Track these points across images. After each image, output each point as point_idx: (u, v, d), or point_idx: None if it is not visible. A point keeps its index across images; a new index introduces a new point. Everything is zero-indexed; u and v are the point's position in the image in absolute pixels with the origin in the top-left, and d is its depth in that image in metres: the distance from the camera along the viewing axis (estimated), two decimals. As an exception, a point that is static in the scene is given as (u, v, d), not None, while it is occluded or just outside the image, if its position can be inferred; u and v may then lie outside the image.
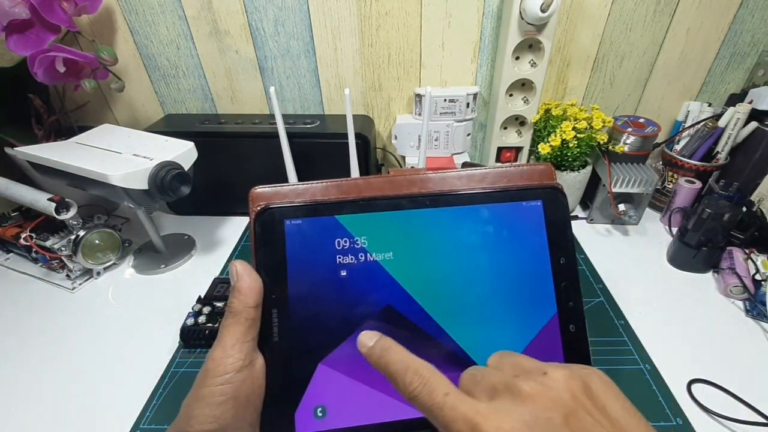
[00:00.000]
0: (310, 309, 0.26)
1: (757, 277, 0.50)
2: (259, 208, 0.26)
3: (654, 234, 0.63)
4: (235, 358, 0.23)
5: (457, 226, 0.27)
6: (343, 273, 0.26)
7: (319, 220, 0.26)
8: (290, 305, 0.26)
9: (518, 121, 0.70)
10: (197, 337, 0.45)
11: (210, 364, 0.23)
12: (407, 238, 0.26)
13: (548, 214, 0.27)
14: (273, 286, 0.25)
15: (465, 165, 0.67)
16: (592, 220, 0.66)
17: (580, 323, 0.27)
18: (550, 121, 0.64)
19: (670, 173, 0.65)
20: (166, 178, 0.49)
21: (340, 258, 0.26)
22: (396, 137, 0.70)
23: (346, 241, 0.26)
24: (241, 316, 0.24)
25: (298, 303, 0.26)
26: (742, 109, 0.58)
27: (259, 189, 0.27)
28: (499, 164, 0.35)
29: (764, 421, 0.36)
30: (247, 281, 0.24)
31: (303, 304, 0.26)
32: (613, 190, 0.60)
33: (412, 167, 0.68)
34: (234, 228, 0.66)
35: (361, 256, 0.26)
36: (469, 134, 0.70)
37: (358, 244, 0.26)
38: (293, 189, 0.27)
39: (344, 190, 0.27)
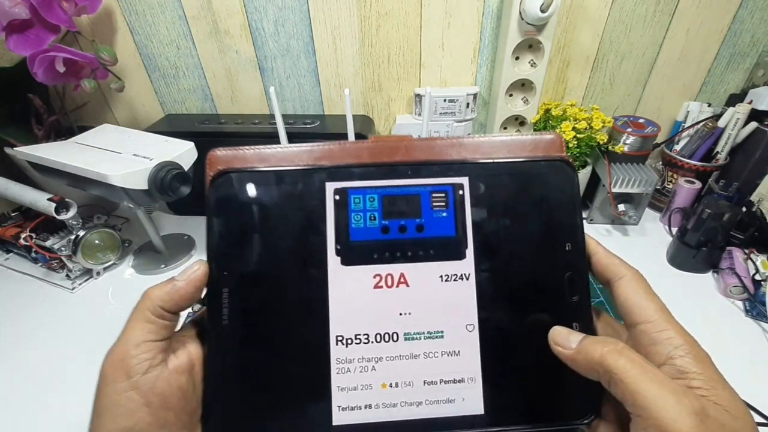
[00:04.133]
0: (267, 290, 0.23)
1: (757, 277, 0.51)
2: (215, 173, 0.23)
3: (654, 234, 0.63)
4: (141, 359, 0.20)
5: None
6: (309, 250, 0.24)
7: (283, 188, 0.24)
8: (244, 285, 0.23)
9: (518, 121, 0.70)
10: (197, 337, 0.45)
11: (107, 367, 0.20)
12: (384, 212, 0.24)
13: (554, 192, 0.24)
14: (225, 262, 0.23)
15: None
16: (591, 220, 0.66)
17: (585, 322, 0.24)
18: (550, 122, 0.64)
19: (670, 173, 0.65)
20: (166, 178, 0.49)
21: (305, 233, 0.24)
22: (396, 137, 0.70)
23: (312, 214, 0.24)
24: (152, 314, 0.21)
25: (254, 283, 0.23)
26: (742, 110, 0.58)
27: (218, 152, 0.24)
28: (500, 133, 0.31)
29: (764, 421, 0.36)
30: (190, 290, 0.22)
31: (260, 285, 0.23)
32: (613, 190, 0.60)
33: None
34: (234, 228, 0.66)
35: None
36: (469, 134, 0.70)
37: (326, 217, 0.24)
38: (257, 153, 0.24)
39: (315, 157, 0.25)
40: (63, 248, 0.53)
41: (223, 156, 0.24)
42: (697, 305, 0.50)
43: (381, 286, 0.24)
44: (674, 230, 0.59)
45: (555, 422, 0.24)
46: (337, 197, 0.24)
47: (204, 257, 0.23)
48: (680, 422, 0.17)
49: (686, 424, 0.17)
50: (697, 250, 0.54)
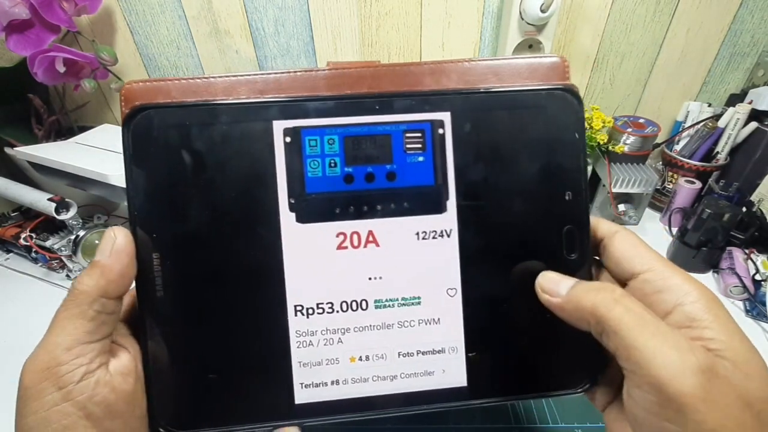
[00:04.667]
0: (208, 255, 0.20)
1: (757, 277, 0.50)
2: (130, 109, 0.19)
3: (654, 234, 0.63)
4: (74, 365, 0.17)
5: None
6: (256, 205, 0.20)
7: (219, 128, 0.19)
8: (179, 249, 0.20)
9: (518, 121, 0.70)
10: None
11: (29, 379, 0.17)
12: (347, 158, 0.20)
13: (553, 129, 0.21)
14: (152, 222, 0.19)
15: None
16: (592, 220, 0.66)
17: None
18: (550, 121, 0.64)
19: (670, 173, 0.65)
20: (166, 178, 0.49)
21: (250, 184, 0.20)
22: (396, 137, 0.70)
23: (258, 161, 0.20)
24: (91, 308, 0.17)
25: (192, 246, 0.20)
26: (742, 110, 0.58)
27: (135, 84, 0.20)
28: (491, 57, 0.25)
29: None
30: (124, 261, 0.18)
31: (198, 248, 0.20)
32: (613, 190, 0.60)
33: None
34: (234, 228, 0.66)
35: None
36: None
37: (275, 165, 0.20)
38: (185, 85, 0.20)
39: (259, 89, 0.20)
40: (63, 248, 0.53)
41: (142, 89, 0.20)
42: (697, 305, 0.50)
43: (345, 247, 0.20)
44: (674, 230, 0.59)
45: (547, 392, 0.22)
46: (288, 139, 0.20)
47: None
48: (681, 381, 0.15)
49: (688, 383, 0.15)
50: (697, 250, 0.53)
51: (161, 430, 0.19)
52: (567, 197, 0.21)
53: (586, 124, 0.60)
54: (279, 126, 0.20)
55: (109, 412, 0.17)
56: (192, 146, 0.19)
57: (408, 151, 0.21)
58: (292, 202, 0.20)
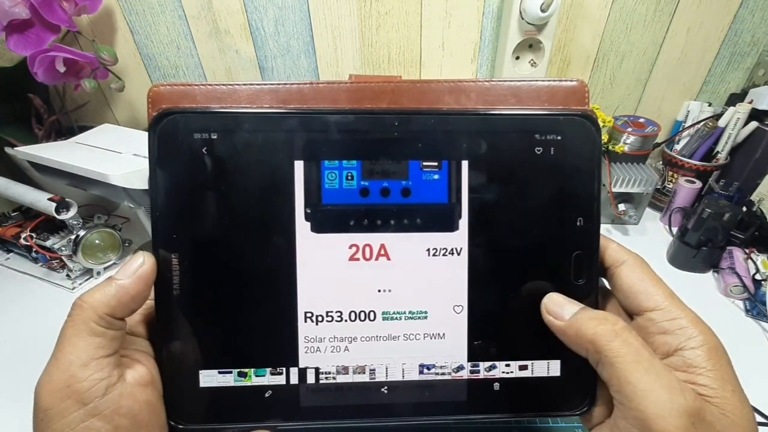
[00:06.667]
0: (225, 258, 0.20)
1: (757, 276, 0.50)
2: (158, 112, 0.20)
3: (654, 234, 0.63)
4: (94, 380, 0.17)
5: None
6: (274, 213, 0.21)
7: (242, 136, 0.20)
8: (197, 251, 0.20)
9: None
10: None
11: (48, 399, 0.16)
12: (364, 172, 0.21)
13: (569, 155, 0.21)
14: (173, 222, 0.20)
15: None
16: (592, 219, 0.66)
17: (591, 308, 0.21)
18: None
19: (670, 173, 0.65)
20: (166, 177, 0.49)
21: (269, 192, 0.20)
22: (396, 137, 0.70)
23: (277, 170, 0.20)
24: (98, 324, 0.18)
25: (209, 249, 0.20)
26: (742, 109, 0.58)
27: (163, 88, 0.20)
28: (512, 78, 0.26)
29: (764, 420, 0.36)
30: (141, 287, 0.18)
31: (216, 251, 0.20)
32: (613, 190, 0.60)
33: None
34: (234, 228, 0.66)
35: None
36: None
37: (293, 175, 0.20)
38: (210, 91, 0.21)
39: (282, 99, 0.21)
40: (63, 248, 0.53)
41: (169, 93, 0.20)
42: (698, 305, 0.50)
43: (357, 259, 0.21)
44: (674, 230, 0.59)
45: (545, 412, 0.22)
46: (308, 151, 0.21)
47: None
48: (667, 420, 0.15)
49: (673, 424, 0.15)
50: (697, 249, 0.53)
51: (171, 423, 0.20)
52: (578, 223, 0.21)
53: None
54: (300, 137, 0.20)
55: (135, 423, 0.17)
56: (215, 151, 0.20)
57: (424, 169, 0.21)
58: (308, 211, 0.21)
